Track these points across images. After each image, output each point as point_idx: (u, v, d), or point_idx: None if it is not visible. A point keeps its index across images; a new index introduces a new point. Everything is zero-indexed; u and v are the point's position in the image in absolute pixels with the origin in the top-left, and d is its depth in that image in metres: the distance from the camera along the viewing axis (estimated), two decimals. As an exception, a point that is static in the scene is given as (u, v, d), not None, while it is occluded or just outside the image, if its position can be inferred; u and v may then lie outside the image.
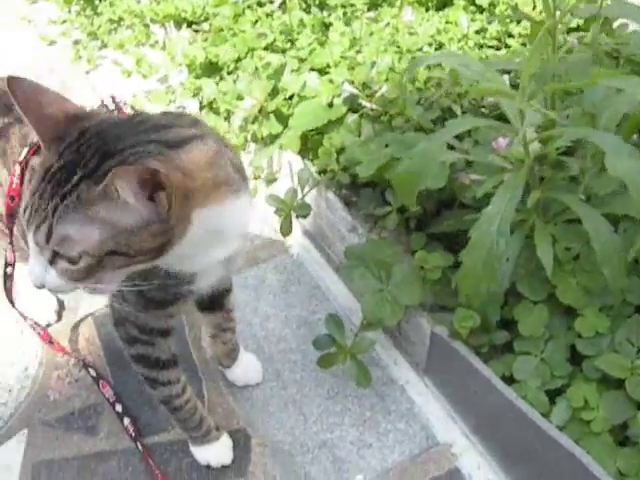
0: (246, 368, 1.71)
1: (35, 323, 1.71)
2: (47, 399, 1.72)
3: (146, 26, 2.88)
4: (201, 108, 2.48)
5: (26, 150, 1.28)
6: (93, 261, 0.91)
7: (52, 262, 0.93)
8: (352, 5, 2.58)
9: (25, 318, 1.67)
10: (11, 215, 1.35)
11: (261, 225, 2.10)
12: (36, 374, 1.77)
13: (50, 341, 1.71)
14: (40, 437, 1.65)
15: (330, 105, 1.94)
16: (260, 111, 2.03)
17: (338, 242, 1.89)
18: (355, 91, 1.83)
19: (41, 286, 0.96)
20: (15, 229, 1.33)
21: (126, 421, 1.62)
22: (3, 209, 1.39)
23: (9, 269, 1.53)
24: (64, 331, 1.85)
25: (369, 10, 2.59)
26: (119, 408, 1.65)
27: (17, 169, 1.28)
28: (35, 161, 1.22)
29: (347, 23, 2.47)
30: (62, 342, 1.78)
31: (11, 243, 1.43)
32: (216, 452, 1.57)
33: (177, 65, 2.65)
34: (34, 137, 1.27)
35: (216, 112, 2.40)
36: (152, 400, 1.65)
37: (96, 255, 0.90)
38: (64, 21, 3.32)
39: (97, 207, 0.88)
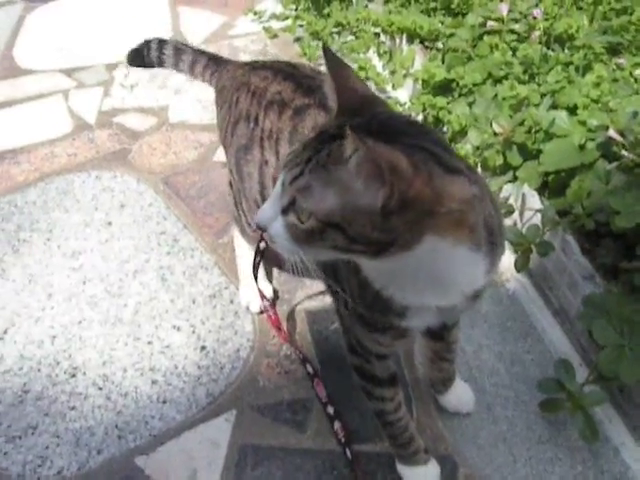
0: (459, 396, 1.69)
1: (271, 305, 1.74)
2: (256, 384, 1.75)
3: (376, 35, 2.91)
4: (426, 123, 2.47)
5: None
6: (317, 227, 0.91)
7: (285, 211, 0.94)
8: (590, 47, 2.50)
9: (263, 297, 1.71)
10: None
11: (477, 253, 2.06)
12: (247, 357, 1.81)
13: (278, 327, 1.74)
14: (248, 421, 1.68)
15: (581, 147, 1.88)
16: (504, 140, 1.99)
17: (565, 287, 1.83)
18: (619, 138, 1.77)
19: (264, 228, 0.97)
20: None
21: (336, 425, 1.62)
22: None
23: (262, 244, 1.57)
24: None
25: (608, 54, 2.51)
26: (330, 410, 1.65)
27: None
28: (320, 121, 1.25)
29: (587, 66, 2.40)
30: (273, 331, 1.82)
31: None
32: (422, 475, 1.55)
33: (404, 78, 2.66)
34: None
35: (442, 132, 2.40)
36: (362, 407, 1.66)
37: (322, 221, 0.90)
38: (286, 17, 3.42)
39: (336, 167, 0.89)
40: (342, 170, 0.88)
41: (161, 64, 1.90)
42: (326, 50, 1.04)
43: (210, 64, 1.81)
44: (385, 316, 1.14)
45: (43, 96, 2.95)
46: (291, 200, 0.93)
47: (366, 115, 0.97)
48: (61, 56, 3.21)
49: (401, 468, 1.55)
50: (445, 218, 0.92)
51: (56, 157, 2.57)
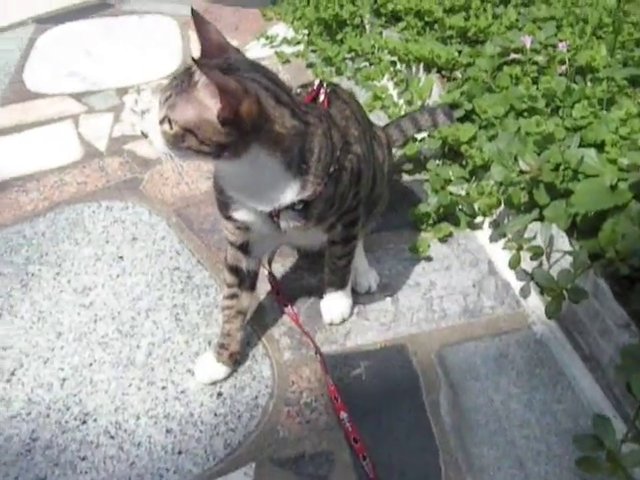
0: (328, 306, 1.90)
1: (289, 304, 1.92)
2: (276, 435, 1.66)
3: (392, 63, 2.85)
4: (444, 156, 2.42)
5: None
6: (179, 132, 1.26)
7: (161, 122, 1.28)
8: (612, 79, 2.45)
9: (286, 305, 1.93)
10: None
11: (502, 295, 2.00)
12: (266, 405, 1.72)
13: (297, 322, 1.88)
14: (268, 475, 1.58)
15: (613, 188, 1.82)
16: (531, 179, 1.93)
17: (597, 333, 1.76)
18: (654, 180, 1.71)
19: (146, 134, 1.35)
20: None
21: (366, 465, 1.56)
22: None
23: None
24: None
25: (631, 87, 2.45)
26: (361, 448, 1.58)
27: None
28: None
29: (610, 99, 2.34)
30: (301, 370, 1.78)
31: None
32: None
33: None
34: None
35: (461, 164, 2.34)
36: (392, 456, 1.59)
37: (182, 127, 1.26)
38: (298, 42, 3.37)
39: (192, 90, 1.25)
40: (195, 91, 1.24)
41: None
42: (194, 13, 1.36)
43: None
44: (226, 204, 1.54)
45: (53, 121, 2.90)
46: (164, 114, 1.27)
47: (221, 58, 1.32)
48: (71, 80, 3.16)
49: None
50: (267, 135, 1.31)
51: (66, 185, 2.51)
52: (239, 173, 1.39)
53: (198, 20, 1.35)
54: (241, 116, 1.25)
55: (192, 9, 1.37)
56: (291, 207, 1.46)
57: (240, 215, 1.53)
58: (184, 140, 1.27)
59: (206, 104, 1.24)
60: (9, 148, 2.75)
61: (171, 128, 1.27)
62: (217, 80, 1.20)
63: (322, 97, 1.60)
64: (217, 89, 1.21)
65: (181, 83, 1.27)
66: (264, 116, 1.29)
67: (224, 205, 1.55)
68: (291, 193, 1.42)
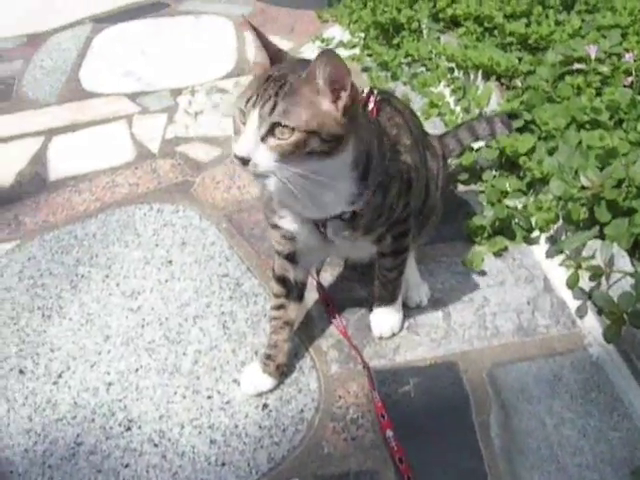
0: (375, 321, 1.86)
1: (338, 316, 1.89)
2: (321, 451, 1.63)
3: (450, 69, 2.79)
4: (501, 166, 2.36)
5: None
6: (301, 137, 1.21)
7: (264, 138, 1.21)
8: (680, 90, 2.35)
9: (335, 317, 1.89)
10: None
11: (557, 313, 1.93)
12: (312, 420, 1.69)
13: (346, 335, 1.84)
14: (311, 492, 1.56)
15: (679, 208, 1.74)
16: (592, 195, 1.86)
17: (657, 359, 1.69)
18: None
19: (247, 158, 1.22)
20: None
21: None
22: None
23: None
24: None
25: None
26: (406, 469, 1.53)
27: None
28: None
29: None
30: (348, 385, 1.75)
31: None
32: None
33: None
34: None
35: (518, 176, 2.27)
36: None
37: (304, 131, 1.21)
38: (354, 45, 3.33)
39: (303, 89, 1.22)
40: (310, 87, 1.23)
41: None
42: (253, 27, 1.33)
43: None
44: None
45: (107, 121, 2.92)
46: (269, 127, 1.21)
47: (287, 61, 1.32)
48: (126, 80, 3.18)
49: None
50: (356, 127, 1.31)
51: (117, 186, 2.52)
52: (322, 173, 1.30)
53: (260, 35, 1.33)
54: (353, 102, 1.27)
55: (245, 18, 1.39)
56: (338, 217, 1.43)
57: (286, 223, 1.51)
58: (306, 144, 1.23)
59: (327, 96, 1.24)
60: (64, 147, 2.78)
61: (288, 137, 1.21)
62: (343, 65, 1.22)
63: (371, 105, 1.55)
64: (345, 74, 1.22)
65: (279, 88, 1.23)
66: (360, 107, 1.36)
67: (271, 212, 1.53)
68: (347, 200, 1.41)
